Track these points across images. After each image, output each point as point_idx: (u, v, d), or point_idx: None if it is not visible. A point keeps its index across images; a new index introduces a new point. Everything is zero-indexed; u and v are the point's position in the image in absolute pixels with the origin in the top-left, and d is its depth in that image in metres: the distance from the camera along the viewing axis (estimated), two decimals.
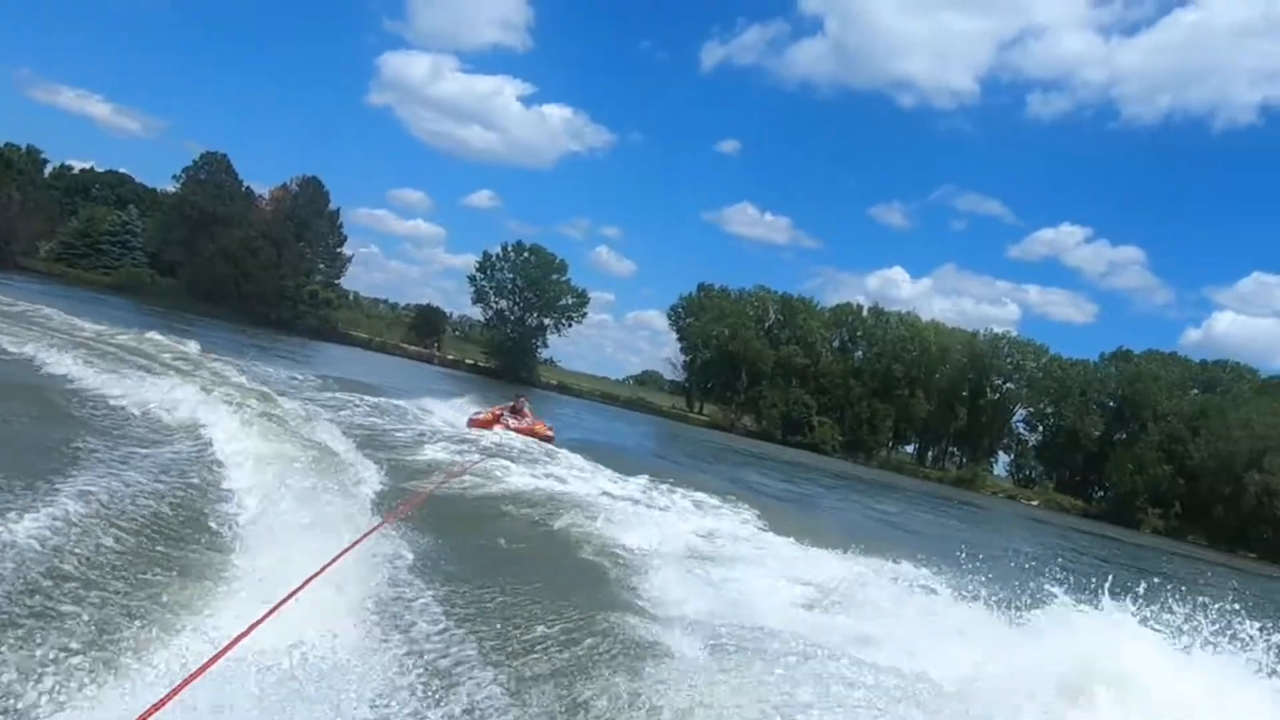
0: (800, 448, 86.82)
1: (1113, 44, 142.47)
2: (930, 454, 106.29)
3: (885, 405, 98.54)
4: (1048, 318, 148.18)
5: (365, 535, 7.37)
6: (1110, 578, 7.21)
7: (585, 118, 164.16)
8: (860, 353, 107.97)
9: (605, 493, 14.71)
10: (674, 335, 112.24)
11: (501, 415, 22.90)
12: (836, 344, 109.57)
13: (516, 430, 22.20)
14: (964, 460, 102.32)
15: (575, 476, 16.14)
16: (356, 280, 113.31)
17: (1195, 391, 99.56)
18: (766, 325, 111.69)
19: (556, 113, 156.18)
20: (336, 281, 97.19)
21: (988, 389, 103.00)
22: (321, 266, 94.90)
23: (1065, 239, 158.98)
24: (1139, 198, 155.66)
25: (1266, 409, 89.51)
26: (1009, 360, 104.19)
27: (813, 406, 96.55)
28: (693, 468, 30.04)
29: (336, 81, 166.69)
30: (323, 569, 5.86)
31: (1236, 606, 6.59)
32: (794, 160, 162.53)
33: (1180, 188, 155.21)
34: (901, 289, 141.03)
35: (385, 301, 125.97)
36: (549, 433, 23.07)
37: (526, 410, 23.81)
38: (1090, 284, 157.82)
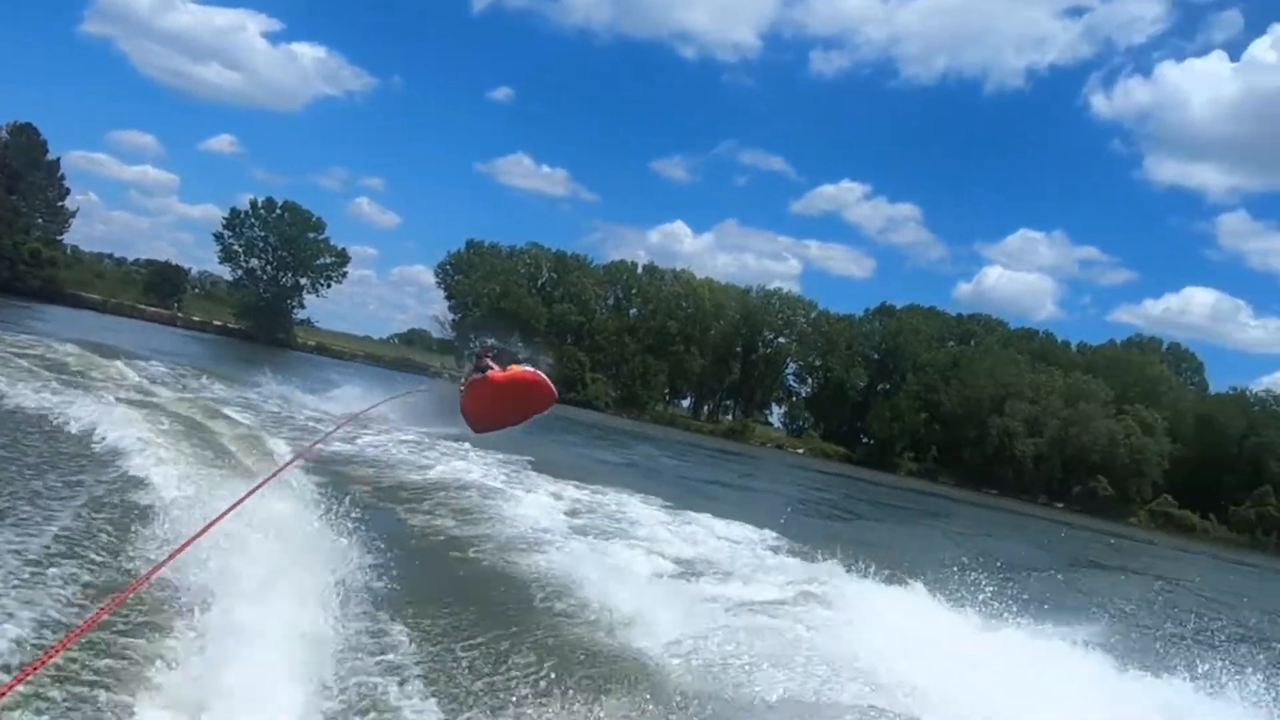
0: (573, 405, 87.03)
1: (891, 4, 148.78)
2: (705, 408, 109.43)
3: (659, 362, 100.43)
4: (829, 272, 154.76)
5: (276, 473, 7.71)
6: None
7: (341, 59, 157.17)
8: (635, 310, 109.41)
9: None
10: (443, 293, 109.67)
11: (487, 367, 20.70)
12: (611, 301, 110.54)
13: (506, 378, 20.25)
14: (738, 413, 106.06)
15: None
16: (75, 233, 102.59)
17: (952, 344, 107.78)
18: (540, 283, 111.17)
19: (308, 52, 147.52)
20: (59, 238, 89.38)
21: (760, 344, 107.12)
22: (40, 221, 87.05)
23: (846, 195, 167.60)
24: (916, 156, 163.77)
25: (1009, 359, 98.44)
26: (780, 316, 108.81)
27: (585, 363, 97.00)
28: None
29: (42, 10, 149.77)
30: (234, 506, 6.09)
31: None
32: (572, 111, 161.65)
33: (954, 147, 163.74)
34: (683, 244, 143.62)
35: (110, 256, 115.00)
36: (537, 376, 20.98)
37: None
38: (869, 239, 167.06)
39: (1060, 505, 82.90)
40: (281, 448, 13.68)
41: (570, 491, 14.39)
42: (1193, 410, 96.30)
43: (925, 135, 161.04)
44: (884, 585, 10.13)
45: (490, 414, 20.73)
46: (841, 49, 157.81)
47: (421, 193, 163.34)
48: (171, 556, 5.59)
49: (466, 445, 18.35)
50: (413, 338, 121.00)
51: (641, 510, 13.95)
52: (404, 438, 18.05)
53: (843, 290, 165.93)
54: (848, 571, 10.53)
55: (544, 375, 21.30)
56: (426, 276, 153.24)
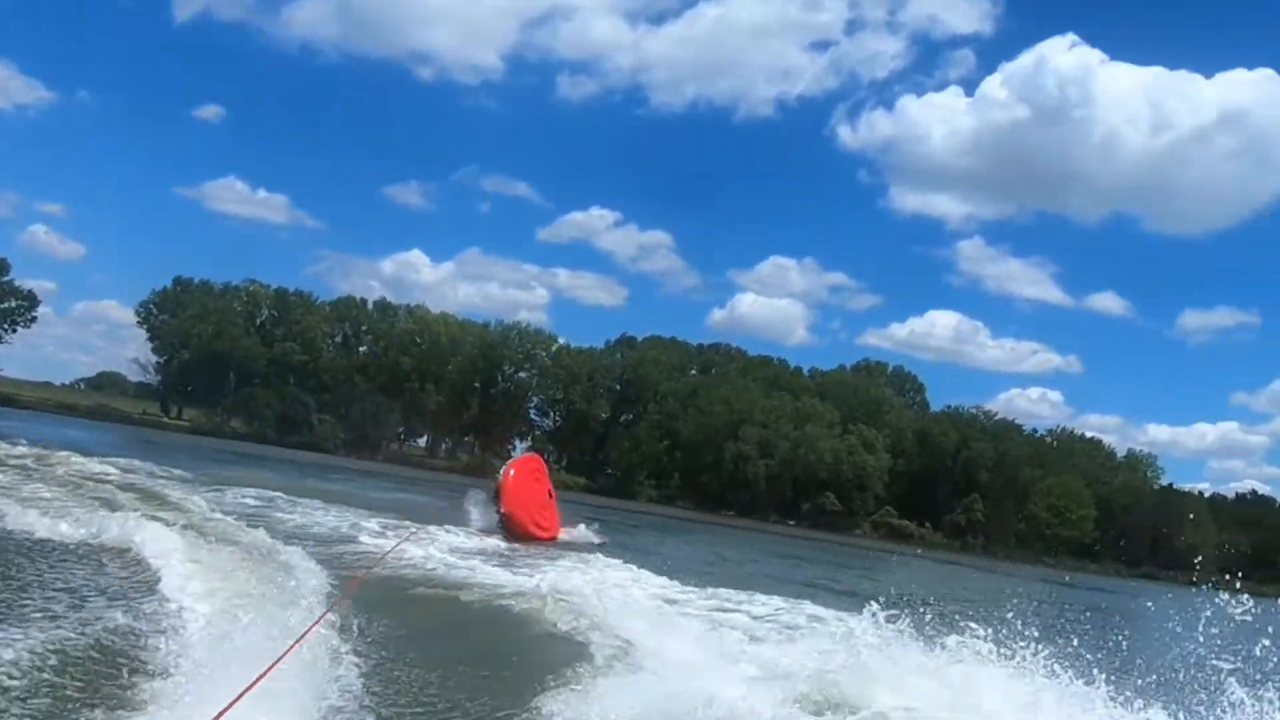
0: (299, 448, 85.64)
1: (640, 31, 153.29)
2: (444, 446, 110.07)
3: (392, 400, 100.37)
4: (579, 301, 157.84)
5: (309, 630, 7.30)
6: None
7: (13, 69, 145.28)
8: (366, 348, 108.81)
9: None
10: (144, 333, 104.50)
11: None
12: (340, 339, 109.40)
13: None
14: (477, 449, 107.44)
15: None
16: None
17: (694, 372, 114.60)
18: (259, 321, 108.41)
19: None
20: None
21: (500, 379, 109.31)
22: None
23: (595, 223, 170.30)
24: (667, 184, 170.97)
25: (744, 386, 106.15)
26: (521, 350, 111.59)
27: (311, 405, 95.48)
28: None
29: None
30: (265, 672, 5.69)
31: None
32: (292, 132, 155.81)
33: (705, 175, 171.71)
34: (421, 274, 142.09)
35: None
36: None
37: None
38: (620, 267, 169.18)
39: (792, 522, 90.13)
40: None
41: None
42: (912, 428, 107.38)
43: (676, 163, 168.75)
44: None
45: None
46: (589, 74, 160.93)
47: (112, 220, 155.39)
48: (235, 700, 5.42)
49: None
50: (103, 382, 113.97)
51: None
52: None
53: (593, 319, 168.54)
54: None
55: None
56: (119, 313, 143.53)
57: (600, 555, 19.12)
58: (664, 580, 15.55)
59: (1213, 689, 8.00)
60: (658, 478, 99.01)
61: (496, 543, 20.20)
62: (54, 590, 9.08)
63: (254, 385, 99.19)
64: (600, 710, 7.09)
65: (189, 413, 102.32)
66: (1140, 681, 8.66)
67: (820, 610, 14.27)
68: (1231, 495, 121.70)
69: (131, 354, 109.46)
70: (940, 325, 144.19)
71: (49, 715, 5.67)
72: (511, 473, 23.31)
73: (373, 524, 19.13)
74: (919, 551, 68.26)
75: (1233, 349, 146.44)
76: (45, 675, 6.26)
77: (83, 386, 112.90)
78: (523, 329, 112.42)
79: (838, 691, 8.00)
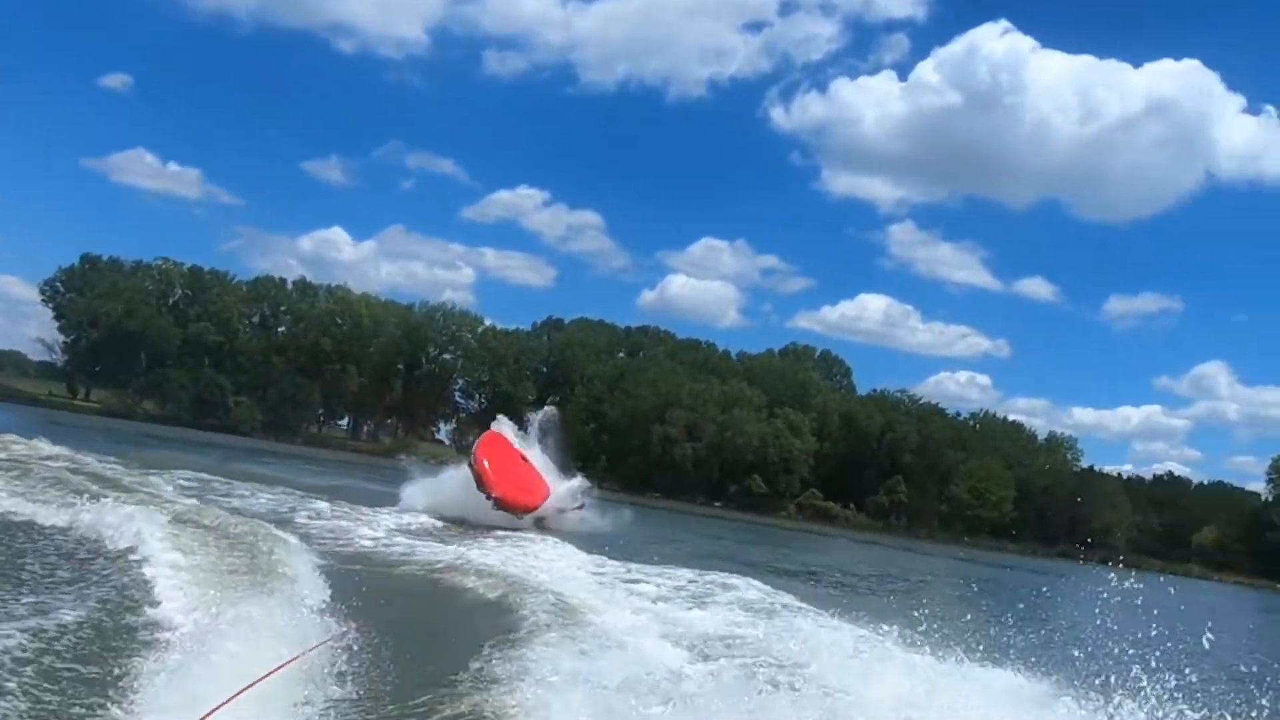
0: (215, 430, 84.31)
1: (570, 8, 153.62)
2: (365, 428, 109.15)
3: (311, 382, 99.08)
4: (507, 281, 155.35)
5: (305, 652, 7.21)
6: None
7: None
8: (284, 328, 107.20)
9: None
10: (49, 311, 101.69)
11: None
12: (257, 320, 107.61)
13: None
14: (400, 431, 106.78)
15: None
16: None
17: (622, 355, 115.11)
18: (172, 301, 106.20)
19: None
20: None
21: (425, 360, 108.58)
22: None
23: (523, 202, 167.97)
24: (597, 163, 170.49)
25: (671, 370, 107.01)
26: (445, 332, 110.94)
27: (228, 387, 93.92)
28: None
29: None
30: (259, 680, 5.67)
31: None
32: (206, 104, 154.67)
33: (637, 155, 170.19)
34: (342, 252, 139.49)
35: None
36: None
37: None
38: (549, 248, 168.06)
39: (718, 504, 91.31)
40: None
41: None
42: (838, 411, 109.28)
43: (606, 142, 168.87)
44: None
45: None
46: (518, 50, 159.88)
47: (12, 192, 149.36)
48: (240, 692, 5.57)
49: None
50: (2, 362, 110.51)
51: None
52: None
53: (521, 300, 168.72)
54: None
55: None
56: (18, 290, 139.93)
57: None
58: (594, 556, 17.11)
59: (1090, 654, 9.16)
60: (584, 460, 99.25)
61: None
62: (45, 579, 9.30)
63: (167, 366, 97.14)
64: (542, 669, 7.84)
65: (97, 394, 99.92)
66: (1015, 646, 10.06)
67: (734, 579, 16.09)
68: (1150, 477, 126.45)
69: (35, 333, 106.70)
70: (871, 308, 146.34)
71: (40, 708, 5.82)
72: (486, 463, 24.22)
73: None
74: (836, 533, 70.17)
75: (1157, 335, 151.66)
76: (41, 664, 6.49)
77: None
78: (447, 310, 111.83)
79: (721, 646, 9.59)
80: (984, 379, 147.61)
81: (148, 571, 10.25)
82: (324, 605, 9.71)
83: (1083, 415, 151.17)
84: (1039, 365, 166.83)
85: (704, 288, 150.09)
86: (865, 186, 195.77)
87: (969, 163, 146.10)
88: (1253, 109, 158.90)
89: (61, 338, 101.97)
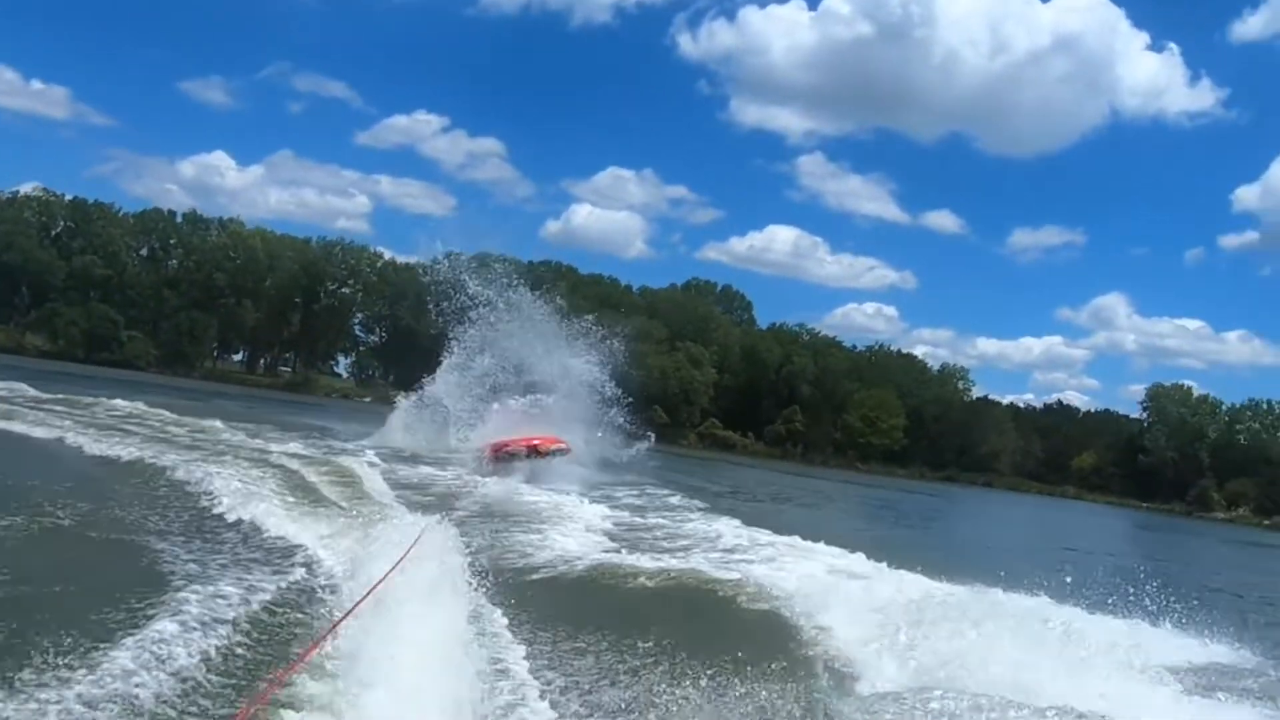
0: (108, 365, 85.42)
1: None
2: (262, 362, 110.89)
3: (207, 316, 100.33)
4: (404, 210, 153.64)
5: (415, 542, 9.35)
6: None
7: None
8: (175, 262, 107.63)
9: None
10: None
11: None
12: (145, 253, 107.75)
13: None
14: (298, 365, 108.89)
15: None
16: None
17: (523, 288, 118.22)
18: (54, 233, 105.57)
19: None
20: None
21: (323, 295, 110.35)
22: None
23: (421, 128, 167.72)
24: (499, 89, 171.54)
25: (574, 304, 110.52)
26: (344, 266, 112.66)
27: (120, 321, 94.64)
28: None
29: None
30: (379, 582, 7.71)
31: None
32: (74, 17, 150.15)
33: (540, 82, 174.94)
34: (227, 177, 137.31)
35: None
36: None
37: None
38: (449, 175, 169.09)
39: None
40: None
41: None
42: (739, 344, 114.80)
43: (508, 67, 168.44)
44: None
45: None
46: None
47: None
48: (346, 615, 7.13)
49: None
50: None
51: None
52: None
53: (418, 229, 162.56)
54: None
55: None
56: None
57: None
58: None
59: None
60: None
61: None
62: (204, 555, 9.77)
63: (52, 301, 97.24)
64: None
65: None
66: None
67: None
68: (1040, 405, 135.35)
69: None
70: (780, 240, 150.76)
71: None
72: (489, 451, 26.34)
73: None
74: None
75: (1059, 267, 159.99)
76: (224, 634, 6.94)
77: None
78: (346, 245, 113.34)
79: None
80: (891, 310, 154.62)
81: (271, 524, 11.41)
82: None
83: (986, 345, 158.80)
84: (944, 297, 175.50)
85: (610, 218, 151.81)
86: (774, 117, 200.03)
87: (878, 94, 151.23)
88: (1156, 46, 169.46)
89: None
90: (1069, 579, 12.01)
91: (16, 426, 19.25)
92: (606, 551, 13.10)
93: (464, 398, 31.86)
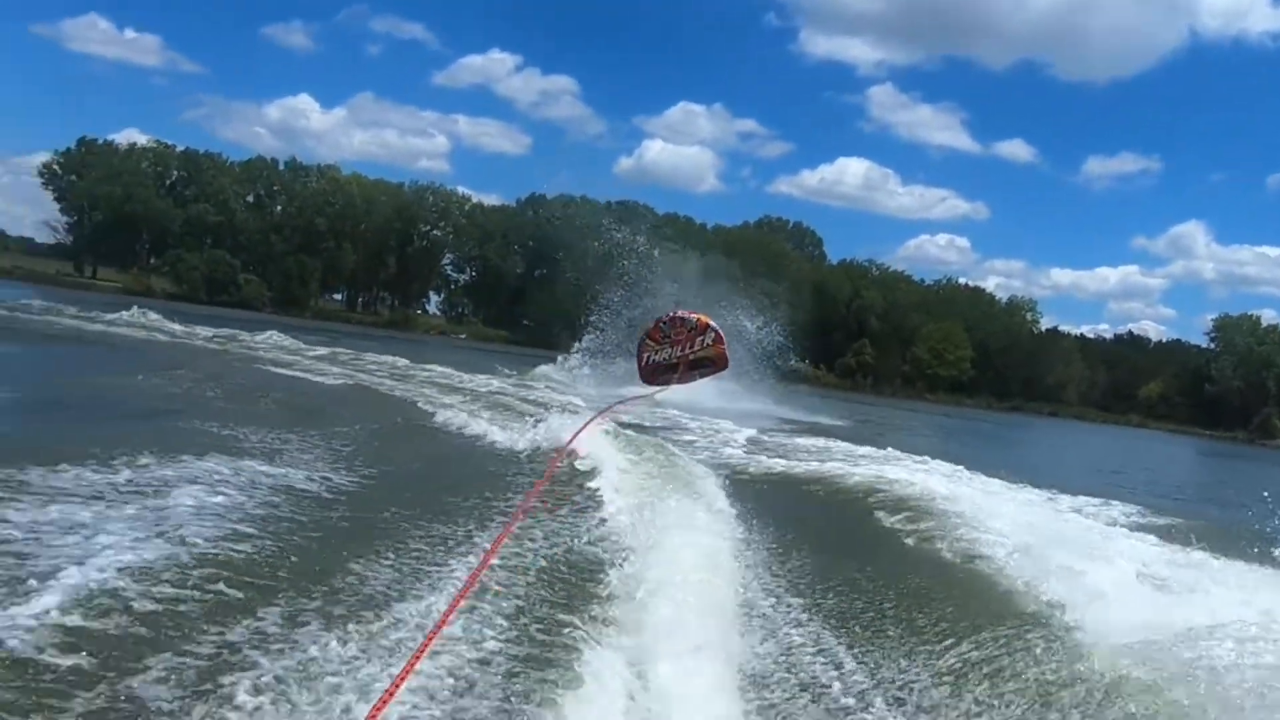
0: (228, 306, 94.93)
1: None
2: (360, 301, 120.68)
3: (313, 259, 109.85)
4: (481, 149, 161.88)
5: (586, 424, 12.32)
6: None
7: None
8: (279, 208, 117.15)
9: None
10: (50, 194, 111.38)
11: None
12: (252, 199, 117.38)
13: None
14: (395, 304, 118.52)
15: None
16: None
17: (604, 228, 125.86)
18: (169, 183, 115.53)
19: None
20: None
21: (416, 237, 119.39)
22: None
23: (495, 67, 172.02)
24: (570, 26, 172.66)
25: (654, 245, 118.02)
26: (435, 209, 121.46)
27: (237, 265, 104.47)
28: None
29: None
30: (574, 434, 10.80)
31: None
32: None
33: (610, 18, 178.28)
34: (311, 120, 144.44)
35: None
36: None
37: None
38: (523, 114, 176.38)
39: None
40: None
41: None
42: (810, 280, 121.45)
43: (579, 4, 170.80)
44: None
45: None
46: None
47: None
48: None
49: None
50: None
51: None
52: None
53: (496, 168, 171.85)
54: None
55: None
56: None
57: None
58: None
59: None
60: (572, 329, 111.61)
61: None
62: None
63: (170, 247, 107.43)
64: None
65: (104, 273, 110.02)
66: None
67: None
68: (1110, 337, 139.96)
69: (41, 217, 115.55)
70: (850, 172, 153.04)
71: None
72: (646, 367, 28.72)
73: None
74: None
75: (1135, 195, 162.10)
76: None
77: None
78: (436, 189, 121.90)
79: None
80: (963, 241, 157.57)
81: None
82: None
83: (1060, 276, 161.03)
84: (1017, 227, 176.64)
85: (682, 153, 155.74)
86: (844, 48, 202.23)
87: (949, 22, 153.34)
88: None
89: (65, 219, 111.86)
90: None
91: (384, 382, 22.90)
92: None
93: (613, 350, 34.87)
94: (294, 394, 17.41)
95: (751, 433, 21.01)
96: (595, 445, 12.37)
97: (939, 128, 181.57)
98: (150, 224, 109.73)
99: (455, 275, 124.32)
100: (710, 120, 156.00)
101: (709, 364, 28.32)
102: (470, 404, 19.05)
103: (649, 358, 28.47)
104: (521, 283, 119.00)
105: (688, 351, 27.86)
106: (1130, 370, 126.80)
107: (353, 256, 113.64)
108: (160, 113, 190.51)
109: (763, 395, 32.76)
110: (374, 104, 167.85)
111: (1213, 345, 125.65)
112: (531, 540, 7.88)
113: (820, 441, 20.25)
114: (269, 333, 33.36)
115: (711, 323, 28.30)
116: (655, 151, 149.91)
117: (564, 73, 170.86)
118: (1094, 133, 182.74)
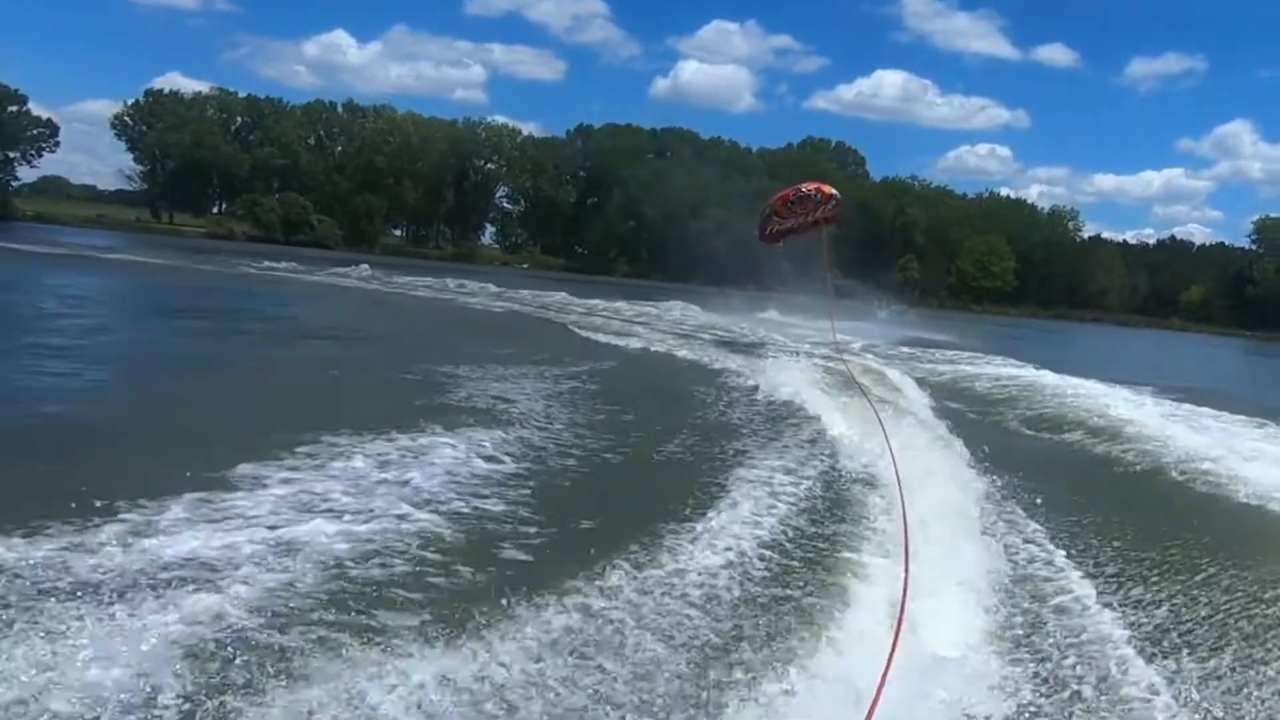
0: (306, 245, 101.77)
1: None
2: (421, 235, 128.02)
3: (378, 198, 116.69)
4: (516, 77, 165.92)
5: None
6: None
7: None
8: (340, 148, 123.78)
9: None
10: (123, 145, 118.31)
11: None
12: (313, 142, 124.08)
13: None
14: (455, 237, 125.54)
15: None
16: None
17: (651, 156, 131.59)
18: (234, 129, 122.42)
19: None
20: None
21: (471, 172, 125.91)
22: None
23: None
24: None
25: (700, 173, 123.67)
26: (488, 144, 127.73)
27: (309, 207, 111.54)
28: None
29: None
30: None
31: None
32: None
33: None
34: (348, 55, 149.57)
35: None
36: None
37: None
38: (556, 39, 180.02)
39: (752, 287, 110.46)
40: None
41: None
42: (854, 198, 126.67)
43: None
44: None
45: None
46: None
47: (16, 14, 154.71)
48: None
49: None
50: (48, 186, 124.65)
51: None
52: None
53: (534, 95, 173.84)
54: None
55: None
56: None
57: None
58: None
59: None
60: (627, 255, 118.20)
61: None
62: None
63: (244, 191, 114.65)
64: None
65: (180, 217, 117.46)
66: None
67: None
68: (1152, 242, 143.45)
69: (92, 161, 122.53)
70: (888, 84, 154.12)
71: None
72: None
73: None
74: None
75: (1179, 96, 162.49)
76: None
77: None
78: (488, 124, 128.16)
79: None
80: (1004, 150, 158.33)
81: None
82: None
83: (1104, 181, 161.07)
84: (1060, 134, 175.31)
85: (717, 73, 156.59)
86: None
87: None
88: None
89: (139, 168, 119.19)
90: None
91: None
92: None
93: None
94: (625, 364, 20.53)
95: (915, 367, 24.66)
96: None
97: (976, 35, 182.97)
98: (220, 169, 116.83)
99: (509, 207, 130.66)
100: (744, 37, 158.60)
101: (828, 222, 32.94)
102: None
103: (773, 229, 33.08)
104: (574, 212, 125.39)
105: (811, 218, 32.66)
106: (1172, 275, 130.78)
107: (413, 193, 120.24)
108: (200, 55, 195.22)
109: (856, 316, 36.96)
110: (409, 36, 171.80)
111: (1255, 247, 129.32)
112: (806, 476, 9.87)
113: (984, 366, 24.92)
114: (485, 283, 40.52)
115: (835, 192, 32.11)
116: (690, 72, 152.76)
117: None
118: (1136, 33, 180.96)
